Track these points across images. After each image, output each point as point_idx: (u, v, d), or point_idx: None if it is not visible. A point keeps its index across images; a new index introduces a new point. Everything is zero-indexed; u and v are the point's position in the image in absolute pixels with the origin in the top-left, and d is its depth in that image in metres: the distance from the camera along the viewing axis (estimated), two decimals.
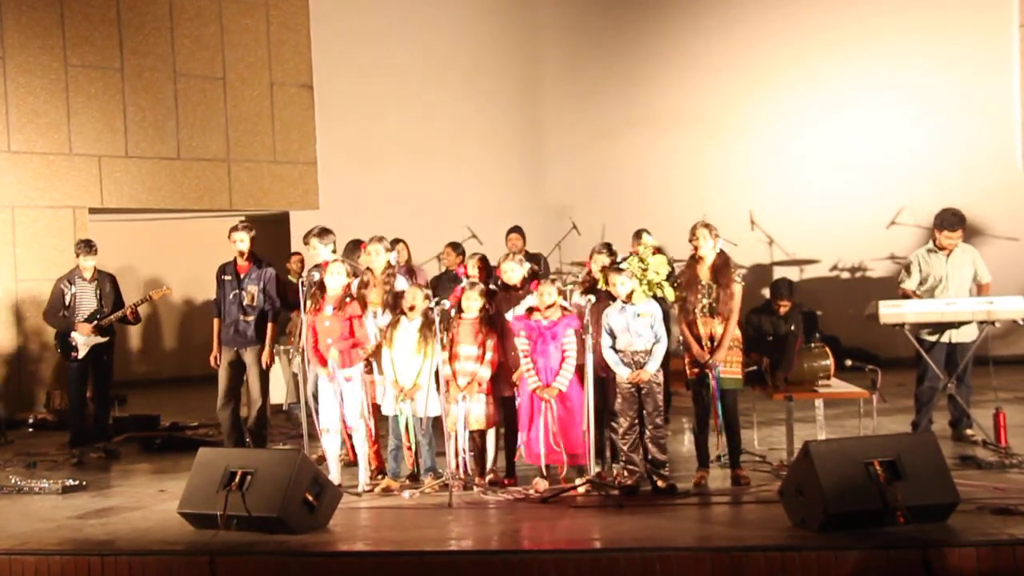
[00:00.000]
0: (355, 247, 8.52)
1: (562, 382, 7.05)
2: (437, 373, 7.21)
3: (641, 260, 7.08)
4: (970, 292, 8.30)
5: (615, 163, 15.16)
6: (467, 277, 7.80)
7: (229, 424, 8.50)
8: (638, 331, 6.95)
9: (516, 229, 10.91)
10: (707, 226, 7.33)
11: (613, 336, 7.02)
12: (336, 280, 7.52)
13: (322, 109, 14.45)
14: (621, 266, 7.13)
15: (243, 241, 8.40)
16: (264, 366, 8.37)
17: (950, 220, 8.26)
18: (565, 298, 7.47)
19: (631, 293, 6.97)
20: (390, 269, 7.86)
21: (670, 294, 7.15)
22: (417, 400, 7.28)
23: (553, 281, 7.28)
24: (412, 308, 7.33)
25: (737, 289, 7.22)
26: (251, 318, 8.35)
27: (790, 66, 14.42)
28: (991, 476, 6.94)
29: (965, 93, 13.70)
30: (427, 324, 7.30)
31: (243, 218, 8.58)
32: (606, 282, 7.13)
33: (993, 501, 6.11)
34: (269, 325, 8.38)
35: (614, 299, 7.09)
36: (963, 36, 13.66)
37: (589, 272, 7.51)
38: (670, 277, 7.16)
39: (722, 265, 7.28)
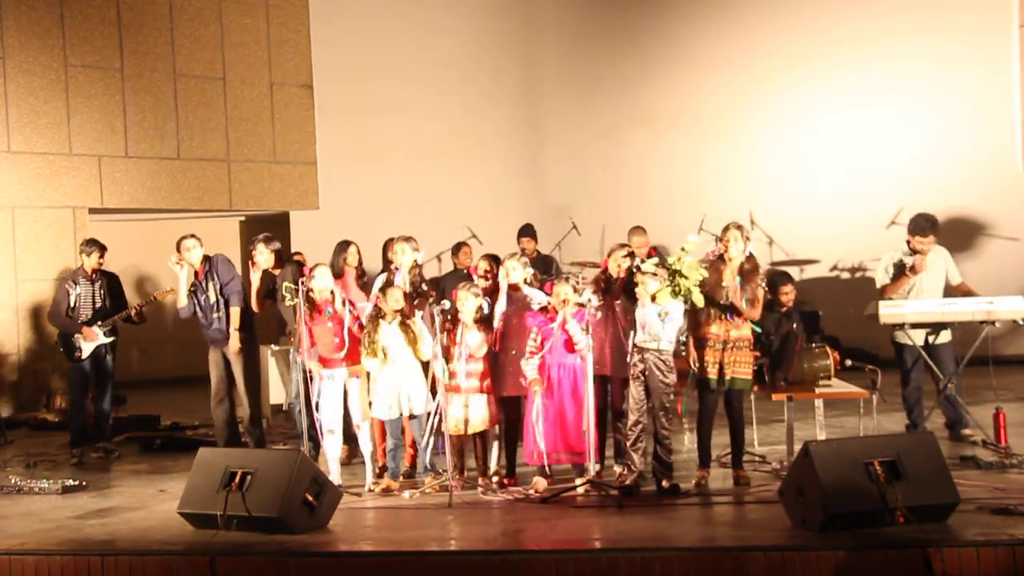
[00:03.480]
0: (344, 248, 8.60)
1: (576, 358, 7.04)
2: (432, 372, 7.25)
3: (675, 263, 7.02)
4: (942, 294, 8.32)
5: (615, 163, 15.15)
6: (477, 277, 7.82)
7: (222, 422, 8.57)
8: (654, 330, 6.92)
9: (529, 232, 10.79)
10: (739, 227, 7.24)
11: (643, 329, 6.97)
12: (322, 282, 7.54)
13: (322, 109, 14.45)
14: (644, 267, 7.09)
15: (192, 250, 8.53)
16: (232, 351, 8.40)
17: (922, 225, 8.30)
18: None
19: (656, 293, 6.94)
20: (417, 268, 7.92)
21: (699, 300, 7.05)
22: (415, 400, 7.29)
23: (567, 279, 7.25)
24: (399, 311, 7.33)
25: (760, 294, 7.20)
26: (221, 314, 8.44)
27: (790, 66, 14.41)
28: (991, 476, 6.94)
29: (965, 93, 13.69)
30: (403, 323, 7.30)
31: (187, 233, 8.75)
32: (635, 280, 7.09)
33: (993, 501, 6.11)
34: (234, 310, 8.42)
35: (631, 297, 7.08)
36: (963, 36, 13.63)
37: (605, 270, 7.49)
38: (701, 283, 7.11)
39: (751, 270, 7.22)
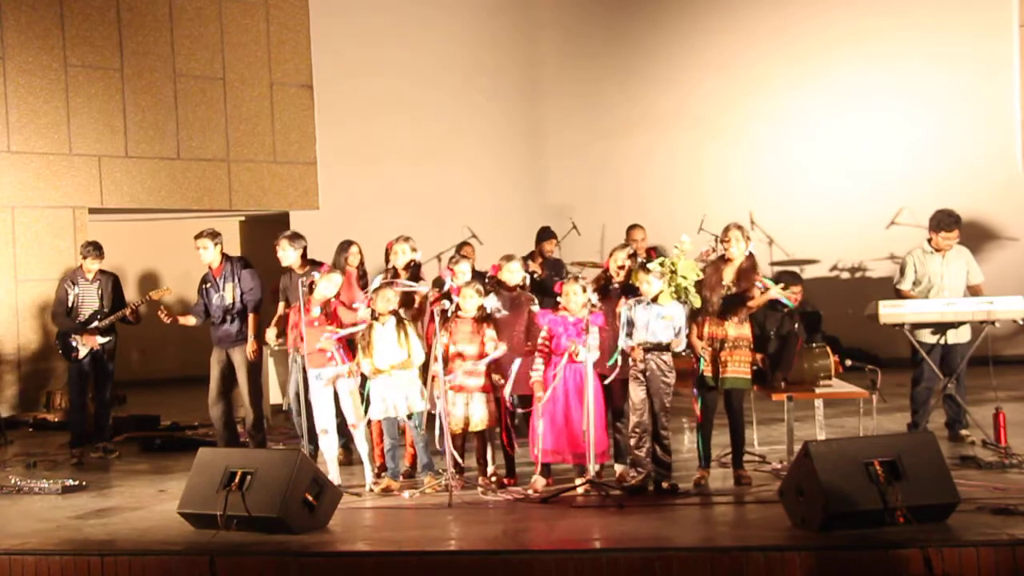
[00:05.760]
0: (345, 248, 8.59)
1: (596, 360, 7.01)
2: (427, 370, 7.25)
3: (672, 263, 7.05)
4: (964, 293, 8.32)
5: (615, 163, 15.14)
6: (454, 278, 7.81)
7: (221, 423, 8.57)
8: (656, 331, 6.94)
9: (550, 235, 10.66)
10: (740, 227, 7.31)
11: (631, 327, 6.99)
12: (328, 288, 7.55)
13: (322, 109, 14.45)
14: (650, 265, 7.12)
15: (206, 250, 8.46)
16: (249, 357, 8.38)
17: (946, 221, 8.29)
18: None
19: (658, 293, 6.96)
20: (413, 266, 7.94)
21: (696, 301, 7.11)
22: (411, 399, 7.29)
23: (577, 279, 7.26)
24: (393, 311, 7.34)
25: (757, 292, 7.22)
26: (235, 316, 8.43)
27: (790, 66, 14.41)
28: (991, 476, 6.94)
29: (965, 93, 13.69)
30: (399, 323, 7.32)
31: (208, 228, 8.65)
32: (635, 278, 7.12)
33: (993, 501, 6.12)
34: (251, 317, 8.42)
35: (632, 295, 7.08)
36: (963, 36, 13.64)
37: (606, 270, 7.51)
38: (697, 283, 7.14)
39: (748, 269, 7.26)
